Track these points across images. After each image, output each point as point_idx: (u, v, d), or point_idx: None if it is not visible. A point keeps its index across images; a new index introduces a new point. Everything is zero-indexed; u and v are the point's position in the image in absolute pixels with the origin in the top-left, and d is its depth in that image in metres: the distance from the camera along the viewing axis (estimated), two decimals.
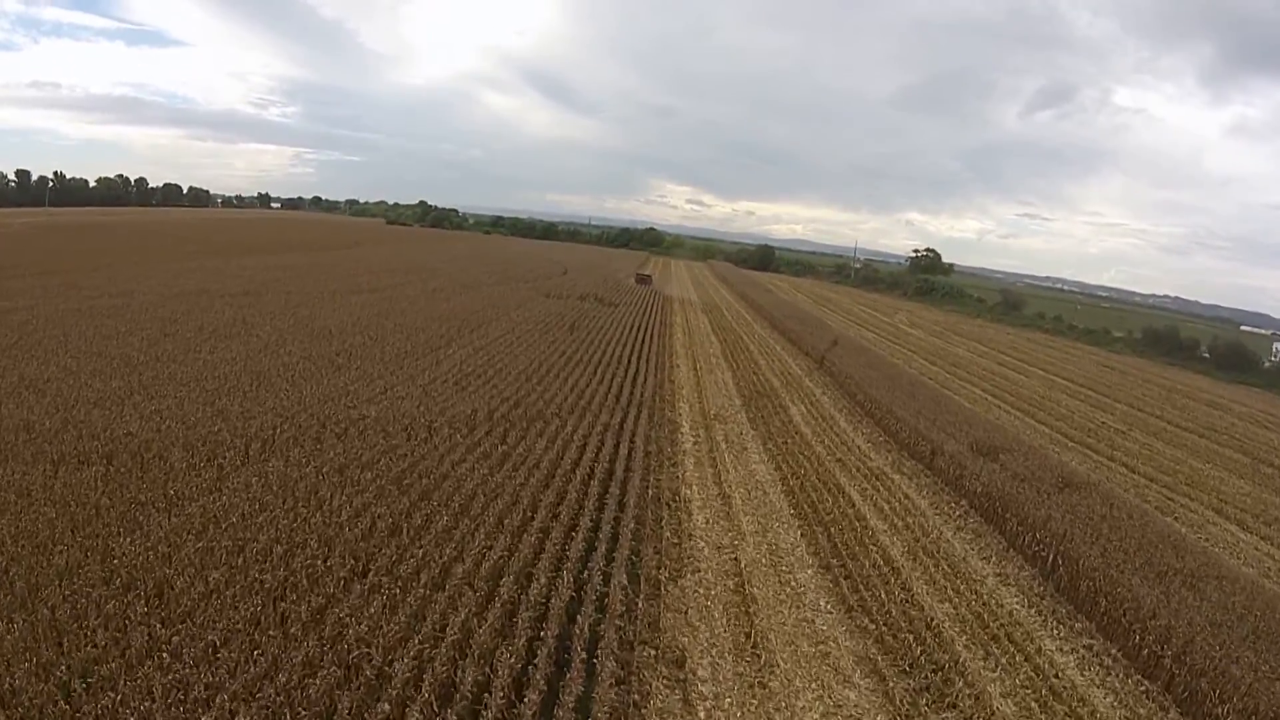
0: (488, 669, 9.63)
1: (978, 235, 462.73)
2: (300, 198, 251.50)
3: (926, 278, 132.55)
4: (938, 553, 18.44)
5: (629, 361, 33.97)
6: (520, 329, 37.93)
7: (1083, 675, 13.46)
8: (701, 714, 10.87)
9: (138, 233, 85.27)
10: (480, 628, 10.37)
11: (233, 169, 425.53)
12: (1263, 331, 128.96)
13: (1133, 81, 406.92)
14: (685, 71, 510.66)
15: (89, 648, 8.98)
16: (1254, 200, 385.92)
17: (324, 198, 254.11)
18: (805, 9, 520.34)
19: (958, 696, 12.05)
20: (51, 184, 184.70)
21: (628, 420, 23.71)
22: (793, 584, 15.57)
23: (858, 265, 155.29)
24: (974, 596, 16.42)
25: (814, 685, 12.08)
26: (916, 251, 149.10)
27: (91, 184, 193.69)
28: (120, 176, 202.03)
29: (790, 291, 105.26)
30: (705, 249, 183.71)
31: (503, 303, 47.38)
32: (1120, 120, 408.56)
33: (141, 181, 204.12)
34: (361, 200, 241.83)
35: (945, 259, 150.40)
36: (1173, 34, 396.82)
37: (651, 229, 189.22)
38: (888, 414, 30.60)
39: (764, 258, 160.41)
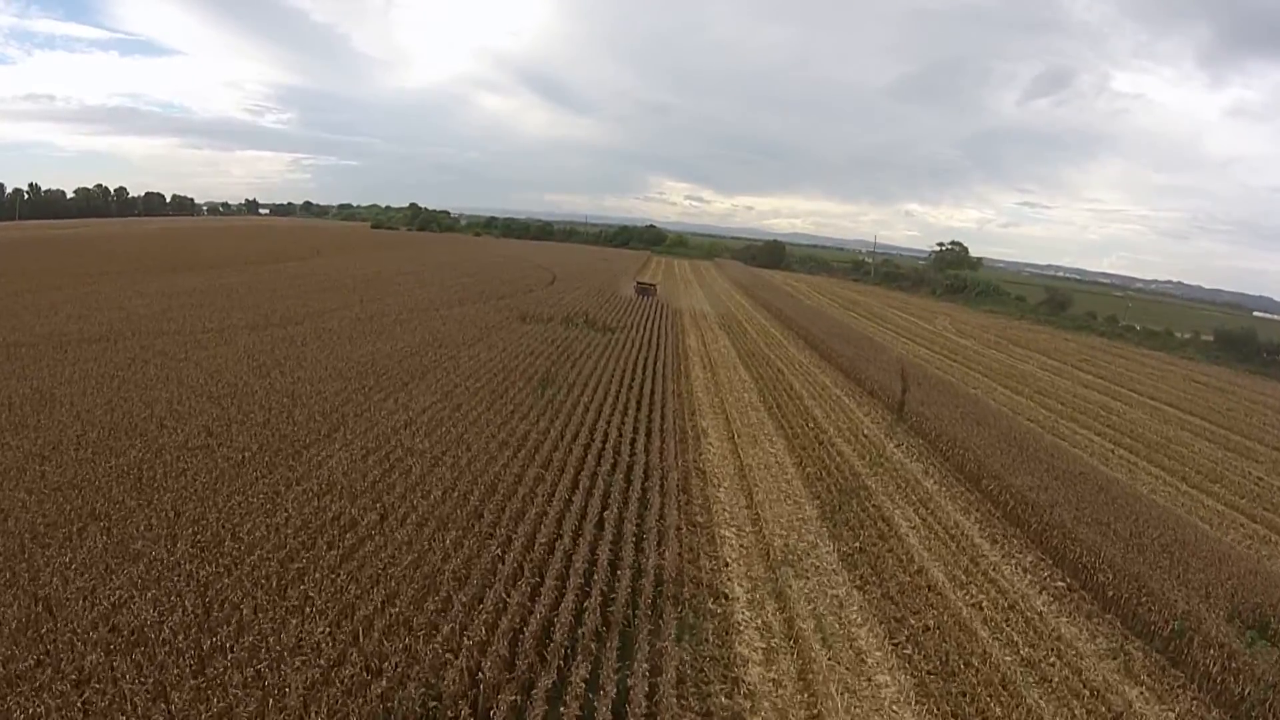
0: None
1: (978, 224, 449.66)
2: (291, 204, 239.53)
3: (956, 274, 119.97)
4: None
5: (631, 444, 21.64)
6: (466, 387, 25.73)
7: None
8: None
9: (58, 250, 73.09)
10: None
11: (231, 176, 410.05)
12: (1275, 317, 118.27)
13: (1131, 66, 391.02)
14: (681, 68, 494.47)
15: None
16: (1255, 183, 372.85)
17: (318, 203, 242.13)
18: (801, 2, 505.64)
19: None
20: (26, 196, 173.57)
21: (637, 679, 10.91)
22: None
23: (868, 260, 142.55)
24: None
25: None
26: (941, 244, 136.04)
27: (69, 195, 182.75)
28: (99, 187, 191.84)
29: (811, 294, 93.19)
30: (710, 246, 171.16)
31: (457, 336, 35.15)
32: (1119, 105, 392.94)
33: (121, 191, 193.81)
34: (355, 204, 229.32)
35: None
36: (1170, 16, 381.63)
37: (652, 226, 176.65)
38: (1053, 528, 18.72)
39: (774, 254, 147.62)
